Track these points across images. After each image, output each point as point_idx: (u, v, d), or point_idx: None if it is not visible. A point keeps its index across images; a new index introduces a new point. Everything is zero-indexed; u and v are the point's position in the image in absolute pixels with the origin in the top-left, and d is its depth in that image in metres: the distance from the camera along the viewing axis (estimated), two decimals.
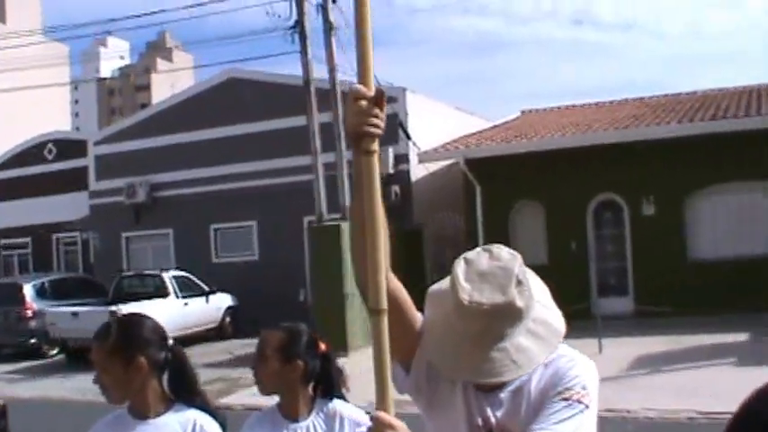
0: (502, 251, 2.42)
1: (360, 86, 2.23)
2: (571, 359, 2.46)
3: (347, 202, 19.39)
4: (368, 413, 2.80)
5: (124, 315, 3.39)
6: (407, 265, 21.73)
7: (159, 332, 3.16)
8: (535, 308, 2.38)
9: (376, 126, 2.22)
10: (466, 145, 23.03)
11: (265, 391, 3.61)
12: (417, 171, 24.29)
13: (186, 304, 22.27)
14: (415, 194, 24.31)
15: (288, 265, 24.67)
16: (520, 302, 2.32)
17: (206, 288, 23.46)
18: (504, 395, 2.48)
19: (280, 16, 19.16)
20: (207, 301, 23.26)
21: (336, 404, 3.62)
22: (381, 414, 2.14)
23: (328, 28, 19.15)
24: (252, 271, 25.85)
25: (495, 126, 26.75)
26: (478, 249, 2.44)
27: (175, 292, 22.23)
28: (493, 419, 2.49)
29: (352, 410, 3.61)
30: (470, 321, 2.31)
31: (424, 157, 23.10)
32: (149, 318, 3.23)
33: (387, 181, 23.61)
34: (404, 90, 24.28)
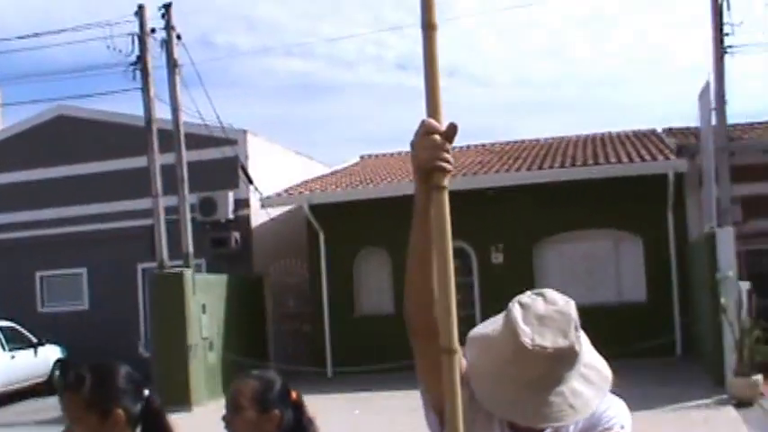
0: (555, 296, 2.43)
1: (432, 120, 2.20)
2: (606, 400, 2.47)
3: (191, 248, 18.59)
4: None
5: (97, 362, 3.10)
6: (248, 314, 21.37)
7: (134, 380, 3.01)
8: (585, 353, 2.40)
9: (448, 161, 2.20)
10: (310, 190, 22.43)
11: None
12: (258, 217, 23.55)
13: (13, 357, 20.95)
14: (256, 241, 23.55)
15: (121, 315, 23.51)
16: (578, 347, 2.34)
17: (34, 339, 21.98)
18: None
19: (120, 51, 18.20)
20: (35, 353, 21.82)
21: None
22: None
23: (172, 65, 18.36)
24: (82, 321, 24.43)
25: (336, 171, 26.29)
26: (530, 293, 2.44)
27: (2, 344, 20.73)
28: None
29: None
30: (531, 365, 2.29)
31: (268, 203, 22.38)
32: (123, 364, 3.05)
33: (226, 227, 22.86)
34: (244, 132, 23.54)
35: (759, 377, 14.65)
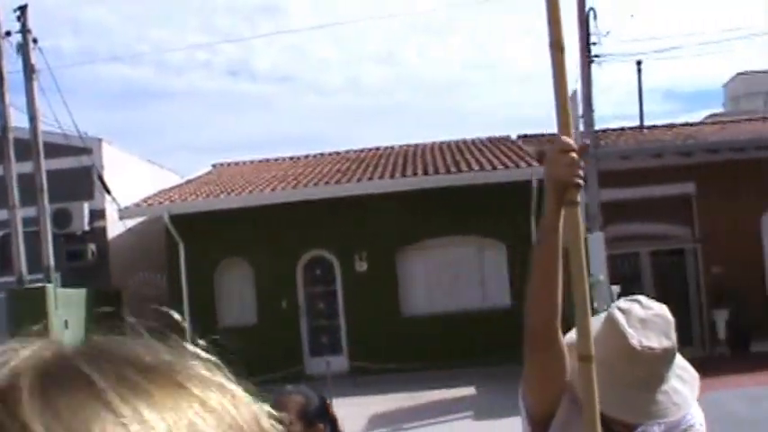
0: (649, 301, 2.63)
1: (568, 139, 2.35)
2: None
3: (51, 261, 17.80)
4: None
5: None
6: (108, 329, 20.42)
7: None
8: (677, 354, 2.60)
9: (582, 177, 2.35)
10: (170, 200, 21.80)
11: None
12: (115, 228, 22.77)
13: None
14: (113, 253, 22.78)
15: None
16: (676, 347, 2.54)
17: None
18: None
19: None
20: None
21: None
22: None
23: (29, 71, 17.50)
24: None
25: (191, 180, 25.66)
26: (625, 300, 2.62)
27: None
28: None
29: None
30: (639, 366, 2.47)
31: (126, 213, 21.63)
32: None
33: (82, 239, 22.02)
34: (99, 141, 22.76)
35: None
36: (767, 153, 20.02)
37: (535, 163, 20.69)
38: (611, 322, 2.54)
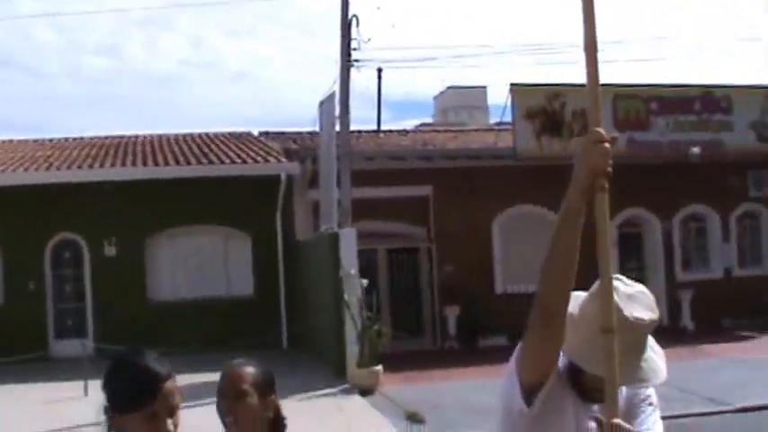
0: (629, 280, 2.87)
1: (602, 130, 2.54)
2: None
3: None
4: (596, 418, 2.84)
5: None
6: None
7: None
8: None
9: (611, 166, 2.56)
10: None
11: (243, 428, 3.20)
12: None
13: None
14: None
15: None
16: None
17: None
18: (596, 408, 2.88)
19: None
20: None
21: None
22: (616, 420, 2.57)
23: None
24: None
25: None
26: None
27: None
28: (594, 428, 2.85)
29: None
30: (629, 335, 2.69)
31: None
32: None
33: None
34: None
35: (379, 367, 16.04)
36: (501, 162, 21.60)
37: (284, 159, 21.56)
38: (594, 296, 2.76)
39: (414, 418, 13.69)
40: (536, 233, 22.82)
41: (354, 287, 16.72)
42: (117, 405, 2.58)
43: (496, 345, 20.30)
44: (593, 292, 2.83)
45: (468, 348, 20.62)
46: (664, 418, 11.00)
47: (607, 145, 2.55)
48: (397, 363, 17.03)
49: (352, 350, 16.33)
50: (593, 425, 2.86)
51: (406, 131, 28.11)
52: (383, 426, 13.44)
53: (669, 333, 21.87)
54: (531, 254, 22.28)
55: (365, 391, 15.62)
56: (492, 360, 18.70)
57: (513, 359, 2.87)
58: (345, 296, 16.55)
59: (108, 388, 2.62)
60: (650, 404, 3.04)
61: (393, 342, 17.18)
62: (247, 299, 21.35)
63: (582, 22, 2.63)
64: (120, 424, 2.58)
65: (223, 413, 3.22)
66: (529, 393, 2.79)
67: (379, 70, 24.11)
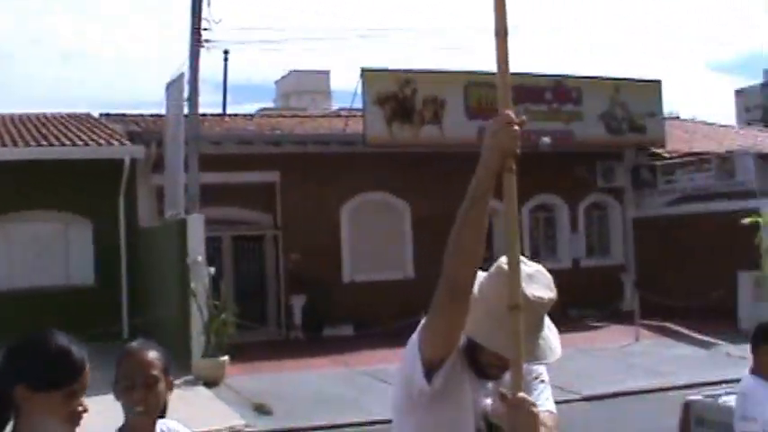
0: (527, 260, 2.96)
1: (512, 113, 2.65)
2: None
3: None
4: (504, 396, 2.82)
5: None
6: None
7: None
8: None
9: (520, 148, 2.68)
10: None
11: (152, 416, 3.24)
12: None
13: None
14: None
15: None
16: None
17: None
18: (490, 385, 3.03)
19: None
20: None
21: (168, 422, 3.39)
22: (521, 394, 2.65)
23: None
24: None
25: None
26: (504, 259, 2.83)
27: None
28: (489, 404, 3.02)
29: (181, 427, 3.41)
30: (529, 314, 2.77)
31: None
32: None
33: None
34: None
35: (225, 358, 15.59)
36: (350, 148, 21.47)
37: (127, 142, 20.77)
38: (503, 276, 2.82)
39: (261, 409, 13.41)
40: (385, 221, 22.92)
41: (201, 275, 16.28)
42: (32, 382, 2.58)
43: (342, 335, 20.22)
44: (492, 273, 2.96)
45: (313, 338, 20.38)
46: None
47: (516, 127, 2.67)
48: (243, 353, 16.63)
49: (198, 340, 15.86)
50: (488, 401, 3.02)
51: (251, 116, 27.63)
52: (230, 417, 13.10)
53: None
54: (380, 242, 22.50)
55: (210, 383, 15.20)
56: (338, 350, 18.78)
57: (411, 344, 2.96)
58: (192, 285, 16.05)
59: (20, 364, 2.62)
60: (542, 381, 3.17)
61: (238, 332, 16.73)
62: (88, 288, 20.50)
63: (492, 8, 2.69)
64: (29, 399, 2.59)
65: (134, 402, 3.15)
66: (430, 371, 2.87)
67: (226, 52, 23.50)
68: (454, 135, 21.47)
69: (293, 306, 21.04)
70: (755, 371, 5.39)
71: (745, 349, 6.18)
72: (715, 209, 21.98)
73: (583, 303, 23.21)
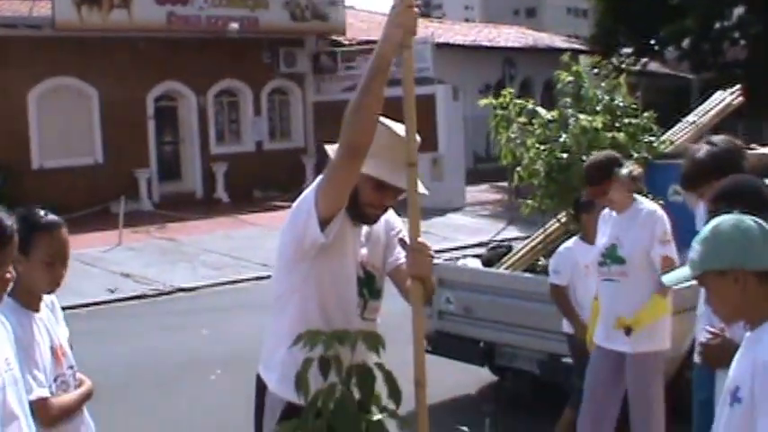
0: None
1: None
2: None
3: None
4: (404, 242, 3.40)
5: None
6: None
7: None
8: None
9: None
10: None
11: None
12: None
13: None
14: None
15: None
16: None
17: None
18: (364, 236, 3.56)
19: None
20: None
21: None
22: (421, 239, 3.19)
23: None
24: None
25: None
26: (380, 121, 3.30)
27: None
28: (365, 252, 3.56)
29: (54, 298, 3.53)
30: (401, 150, 3.23)
31: None
32: None
33: None
34: None
35: None
36: (38, 32, 20.96)
37: None
38: (389, 128, 3.39)
39: None
40: (74, 107, 22.51)
41: None
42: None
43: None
44: (382, 130, 3.34)
45: None
46: (222, 284, 12.02)
47: (416, 9, 3.06)
48: None
49: None
50: (364, 251, 3.56)
51: None
52: None
53: (205, 205, 22.83)
54: (69, 128, 22.08)
55: None
56: None
57: (304, 202, 3.35)
58: None
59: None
60: (399, 233, 3.62)
61: None
62: None
63: None
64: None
65: (54, 278, 3.38)
66: (324, 225, 3.28)
67: None
68: (143, 20, 21.48)
69: None
70: (582, 235, 6.48)
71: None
72: (393, 94, 23.21)
73: (267, 185, 24.18)
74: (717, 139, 4.52)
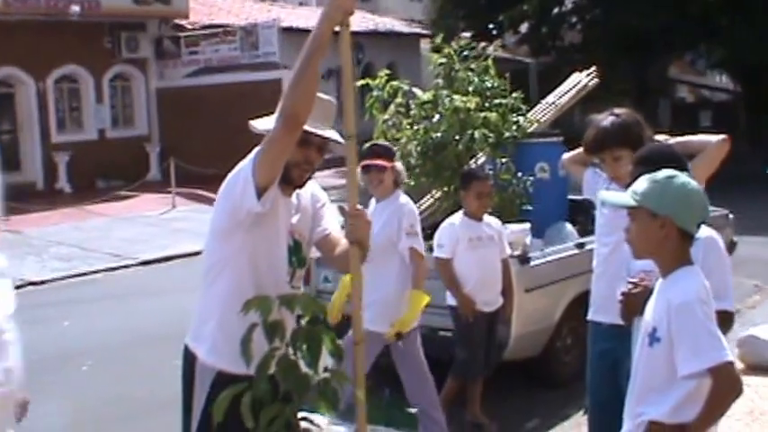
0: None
1: None
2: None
3: None
4: (342, 209, 3.62)
5: None
6: None
7: None
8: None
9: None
10: None
11: None
12: None
13: None
14: None
15: None
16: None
17: None
18: (293, 205, 3.73)
19: None
20: None
21: None
22: (359, 207, 3.43)
23: None
24: None
25: None
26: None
27: None
28: (294, 221, 3.74)
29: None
30: (327, 109, 3.65)
31: None
32: None
33: None
34: None
35: None
36: None
37: None
38: (320, 97, 3.54)
39: None
40: None
41: None
42: None
43: None
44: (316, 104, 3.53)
45: None
46: (72, 276, 11.84)
47: None
48: None
49: None
50: (294, 220, 3.72)
51: None
52: None
53: (46, 196, 22.20)
54: None
55: None
56: None
57: (240, 173, 3.47)
58: None
59: None
60: (324, 205, 3.91)
61: None
62: None
63: None
64: None
65: None
66: (260, 194, 3.39)
67: None
68: None
69: None
70: (465, 211, 6.71)
71: None
72: (240, 79, 23.27)
73: (110, 174, 23.70)
74: (619, 111, 4.82)
